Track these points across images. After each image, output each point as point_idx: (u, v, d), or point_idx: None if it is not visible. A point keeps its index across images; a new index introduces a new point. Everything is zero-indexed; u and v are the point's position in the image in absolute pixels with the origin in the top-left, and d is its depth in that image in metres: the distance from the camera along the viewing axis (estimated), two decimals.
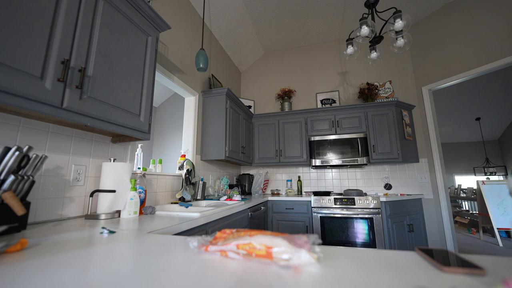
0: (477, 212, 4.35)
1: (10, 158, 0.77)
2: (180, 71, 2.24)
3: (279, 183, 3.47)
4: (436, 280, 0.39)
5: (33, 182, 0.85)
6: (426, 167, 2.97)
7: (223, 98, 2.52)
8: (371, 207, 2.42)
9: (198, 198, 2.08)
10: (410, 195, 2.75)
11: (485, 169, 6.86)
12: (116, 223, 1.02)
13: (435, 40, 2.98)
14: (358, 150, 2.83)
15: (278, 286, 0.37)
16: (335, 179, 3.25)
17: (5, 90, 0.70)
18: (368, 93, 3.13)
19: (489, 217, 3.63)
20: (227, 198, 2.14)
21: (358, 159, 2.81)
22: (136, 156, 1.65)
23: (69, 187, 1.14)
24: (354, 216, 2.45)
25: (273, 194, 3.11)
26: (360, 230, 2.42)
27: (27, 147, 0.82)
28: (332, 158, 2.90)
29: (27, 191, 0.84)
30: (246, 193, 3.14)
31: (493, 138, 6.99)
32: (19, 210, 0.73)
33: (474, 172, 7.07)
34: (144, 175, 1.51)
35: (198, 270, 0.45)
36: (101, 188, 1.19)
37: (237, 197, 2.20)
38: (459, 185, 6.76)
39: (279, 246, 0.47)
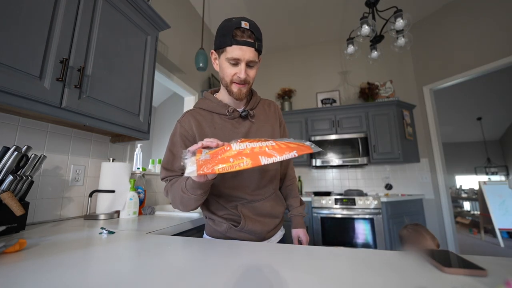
0: (479, 213, 4.34)
1: (9, 158, 0.76)
2: (179, 70, 2.24)
3: None
4: (437, 281, 0.38)
5: (32, 182, 0.84)
6: (427, 167, 2.96)
7: None
8: (371, 207, 2.41)
9: None
10: (411, 195, 2.74)
11: (487, 169, 6.84)
12: (115, 224, 1.02)
13: (436, 40, 2.97)
14: (358, 150, 2.83)
15: None
16: (336, 179, 3.24)
17: (3, 90, 0.70)
18: (368, 92, 3.12)
19: (490, 217, 3.61)
20: None
21: (359, 159, 2.81)
22: (135, 156, 1.65)
23: (68, 187, 1.14)
24: (355, 216, 2.45)
25: None
26: (361, 230, 2.41)
27: (25, 147, 0.82)
28: (333, 158, 2.89)
29: (25, 191, 0.83)
30: None
31: (495, 138, 6.97)
32: (17, 210, 0.73)
33: (476, 172, 7.05)
34: (143, 175, 1.51)
35: (198, 271, 0.44)
36: (100, 188, 1.19)
37: None
38: (460, 185, 6.75)
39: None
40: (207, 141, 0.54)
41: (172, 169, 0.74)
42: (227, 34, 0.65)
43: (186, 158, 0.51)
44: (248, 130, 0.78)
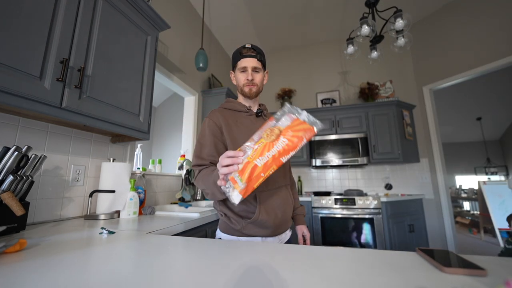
0: (478, 213, 4.34)
1: (9, 158, 0.77)
2: (179, 70, 2.24)
3: None
4: (436, 280, 0.38)
5: (32, 182, 0.84)
6: (426, 167, 2.96)
7: (223, 97, 2.52)
8: (371, 207, 2.42)
9: (198, 198, 2.08)
10: (411, 195, 2.75)
11: (486, 169, 6.85)
12: (116, 224, 1.02)
13: (436, 40, 2.98)
14: (358, 150, 2.83)
15: None
16: (336, 179, 3.24)
17: (4, 90, 0.70)
18: (368, 92, 3.12)
19: (490, 217, 3.62)
20: None
21: (359, 159, 2.81)
22: (135, 156, 1.65)
23: (68, 187, 1.14)
24: (355, 216, 2.45)
25: None
26: (361, 230, 2.41)
27: (26, 147, 0.82)
28: (333, 158, 2.90)
29: (26, 191, 0.83)
30: None
31: (494, 138, 6.97)
32: (18, 210, 0.73)
33: (475, 172, 7.05)
34: (143, 175, 1.51)
35: (198, 271, 0.44)
36: (100, 188, 1.19)
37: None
38: (460, 185, 6.75)
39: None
40: (225, 162, 0.60)
41: (202, 156, 0.86)
42: (237, 54, 0.93)
43: (228, 190, 0.59)
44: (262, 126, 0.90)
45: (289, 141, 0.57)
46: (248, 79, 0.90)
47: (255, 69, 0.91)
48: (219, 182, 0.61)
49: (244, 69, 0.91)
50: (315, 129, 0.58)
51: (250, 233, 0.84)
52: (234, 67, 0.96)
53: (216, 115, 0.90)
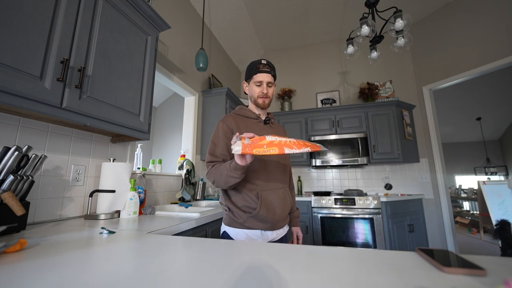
0: (478, 212, 4.34)
1: (10, 158, 0.77)
2: (180, 70, 2.24)
3: None
4: (436, 280, 0.39)
5: (32, 182, 0.84)
6: (426, 167, 2.96)
7: (223, 97, 2.52)
8: (371, 207, 2.42)
9: (198, 198, 2.08)
10: (411, 195, 2.75)
11: (486, 169, 6.85)
12: (116, 223, 1.02)
13: (436, 40, 2.98)
14: (358, 150, 2.83)
15: None
16: (335, 179, 3.24)
17: (4, 90, 0.70)
18: (368, 93, 3.12)
19: (489, 217, 3.62)
20: None
21: (359, 159, 2.81)
22: (135, 156, 1.65)
23: (68, 187, 1.14)
24: (355, 216, 2.45)
25: None
26: (361, 230, 2.42)
27: (26, 147, 0.82)
28: (333, 158, 2.90)
29: (26, 191, 0.83)
30: None
31: (494, 138, 6.97)
32: (18, 210, 0.73)
33: (475, 172, 7.05)
34: (143, 175, 1.51)
35: (198, 271, 0.45)
36: (100, 188, 1.19)
37: None
38: (460, 185, 6.75)
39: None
40: (246, 134, 0.71)
41: (215, 154, 0.96)
42: (254, 68, 1.01)
43: (234, 141, 0.68)
44: (268, 133, 1.03)
45: (296, 141, 0.68)
46: (263, 92, 1.01)
47: (269, 84, 1.02)
48: (234, 139, 0.70)
49: (260, 83, 1.01)
50: (322, 148, 0.70)
51: (251, 226, 0.93)
52: (248, 79, 1.05)
53: (229, 120, 1.01)
